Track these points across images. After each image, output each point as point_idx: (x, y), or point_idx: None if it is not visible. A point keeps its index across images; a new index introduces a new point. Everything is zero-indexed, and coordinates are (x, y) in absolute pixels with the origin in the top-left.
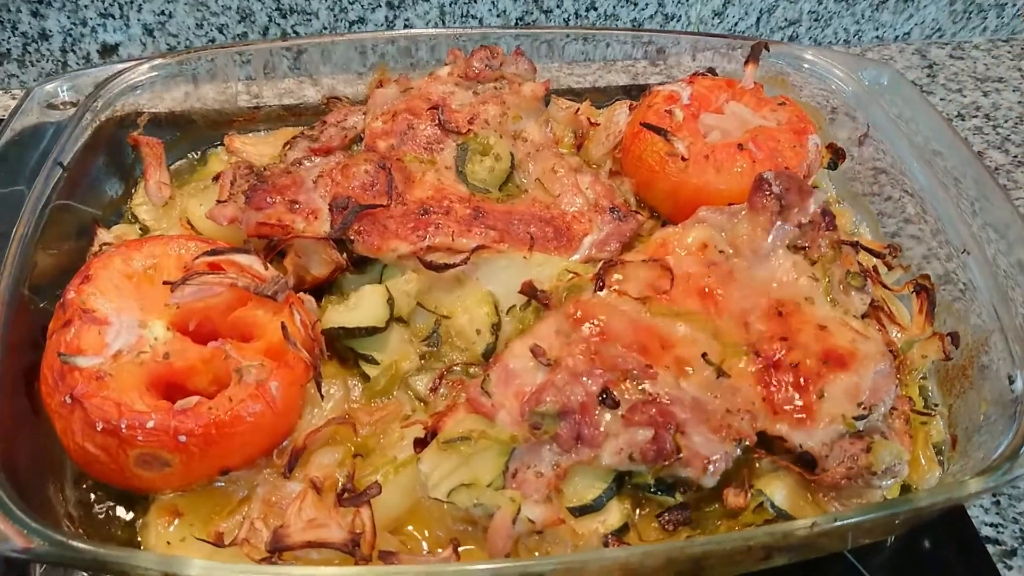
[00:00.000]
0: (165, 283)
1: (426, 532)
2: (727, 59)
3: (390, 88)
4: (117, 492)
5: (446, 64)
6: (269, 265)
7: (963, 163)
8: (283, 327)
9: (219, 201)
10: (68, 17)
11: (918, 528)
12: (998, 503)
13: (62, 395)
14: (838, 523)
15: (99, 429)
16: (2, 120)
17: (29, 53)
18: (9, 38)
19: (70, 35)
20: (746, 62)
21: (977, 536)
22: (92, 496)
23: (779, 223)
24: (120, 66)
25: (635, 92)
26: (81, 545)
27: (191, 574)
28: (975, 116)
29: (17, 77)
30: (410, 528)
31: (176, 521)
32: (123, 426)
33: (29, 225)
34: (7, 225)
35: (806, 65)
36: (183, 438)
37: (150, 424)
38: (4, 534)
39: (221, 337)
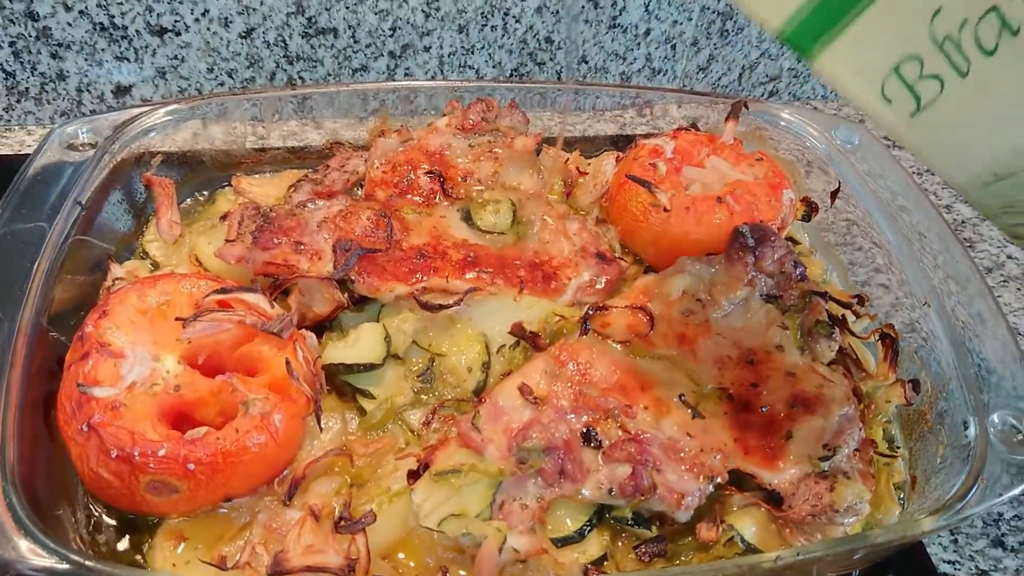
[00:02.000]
0: (177, 319)
1: (416, 560)
2: (711, 110)
3: (391, 138)
4: (124, 516)
5: (444, 115)
6: (274, 303)
7: (927, 218)
8: (287, 363)
9: (227, 240)
10: (85, 59)
11: (881, 564)
12: (956, 541)
13: (79, 423)
14: (801, 556)
15: (113, 456)
16: (19, 156)
17: (46, 92)
18: (28, 77)
19: (86, 76)
20: (727, 119)
21: (935, 573)
22: (101, 519)
23: (753, 273)
24: (137, 110)
25: (622, 142)
26: (99, 565)
27: None
28: None
29: (33, 114)
30: (401, 556)
31: (182, 545)
32: (136, 454)
33: (50, 260)
34: (29, 259)
35: (782, 123)
36: (192, 466)
37: (161, 452)
38: (24, 552)
39: (228, 371)
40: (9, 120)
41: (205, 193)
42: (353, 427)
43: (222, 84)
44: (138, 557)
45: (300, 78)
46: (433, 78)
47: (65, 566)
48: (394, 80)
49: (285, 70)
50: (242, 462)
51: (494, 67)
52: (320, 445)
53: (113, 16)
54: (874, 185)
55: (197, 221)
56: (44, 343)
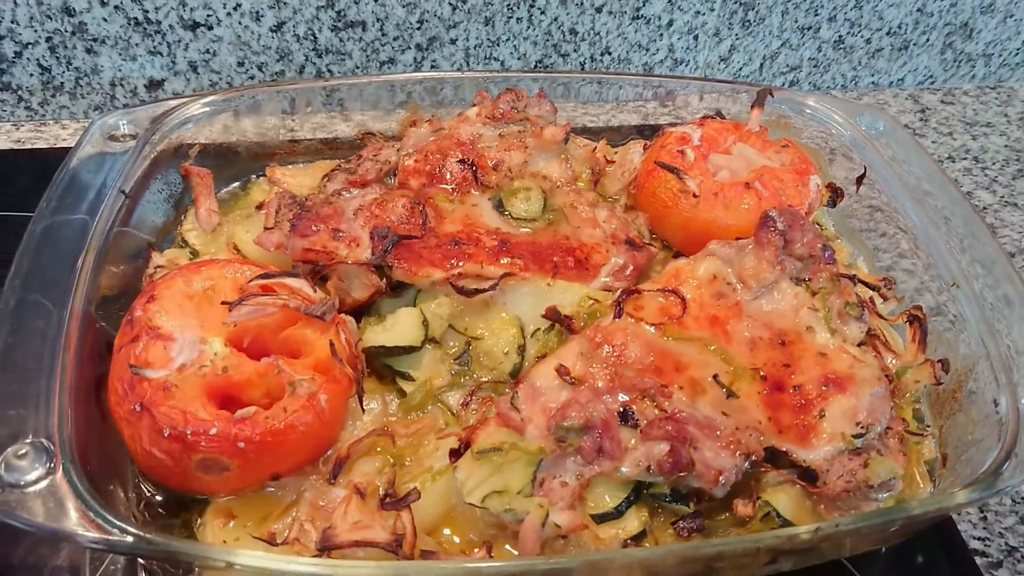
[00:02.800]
0: (223, 303)
1: (459, 536)
2: (732, 101)
3: (422, 128)
4: (172, 495)
5: (474, 105)
6: (316, 288)
7: (953, 203)
8: (331, 345)
9: (266, 228)
10: (120, 54)
11: (911, 541)
12: (985, 518)
13: (131, 404)
14: (840, 528)
15: (166, 435)
16: (55, 149)
17: (81, 86)
18: (64, 72)
19: (120, 70)
20: (752, 106)
21: (966, 548)
22: (150, 498)
23: (783, 257)
24: (175, 102)
25: (647, 131)
26: (161, 539)
27: (255, 564)
28: (964, 158)
29: (68, 108)
30: (447, 531)
31: (231, 522)
32: (188, 433)
33: (96, 249)
34: (76, 248)
35: (808, 110)
36: (242, 444)
37: (213, 431)
38: (84, 526)
39: (272, 353)
40: (44, 115)
41: (239, 183)
42: (393, 408)
43: (252, 77)
44: (188, 534)
45: (329, 71)
46: (459, 70)
47: (128, 539)
48: (420, 71)
49: (314, 63)
50: (289, 441)
51: (519, 59)
52: (362, 426)
53: (147, 11)
54: (898, 170)
55: (233, 210)
56: (92, 329)
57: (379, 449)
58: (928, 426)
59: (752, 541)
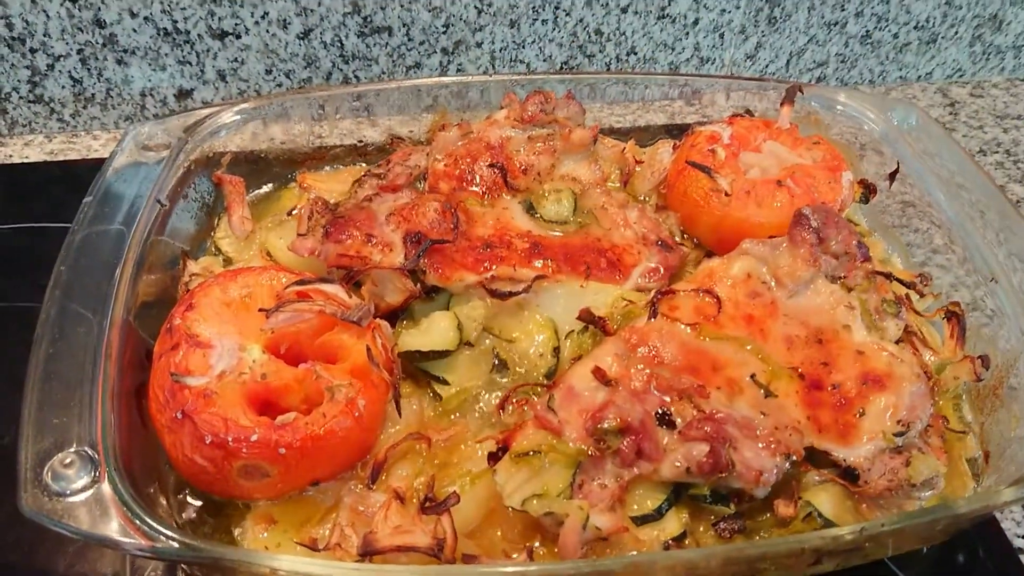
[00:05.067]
0: (260, 310)
1: (499, 539)
2: (759, 98)
3: (452, 132)
4: (211, 501)
5: (502, 107)
6: (351, 293)
7: (987, 196)
8: (368, 350)
9: (299, 234)
10: (149, 64)
11: (953, 539)
12: None
13: (173, 411)
14: (885, 528)
15: (208, 442)
16: (87, 160)
17: (111, 97)
18: (95, 83)
19: (150, 80)
20: (782, 103)
21: (1011, 547)
22: (189, 504)
23: (818, 254)
24: (207, 111)
25: (674, 131)
26: (206, 545)
27: (300, 570)
28: (996, 152)
29: (99, 119)
30: (486, 533)
31: (272, 528)
32: (230, 439)
33: (134, 258)
34: (114, 258)
35: (839, 107)
36: (283, 450)
37: (254, 437)
38: (130, 534)
39: (309, 359)
40: (76, 126)
41: (270, 188)
42: (429, 412)
43: (280, 85)
44: (228, 541)
45: (355, 77)
46: (485, 73)
47: (174, 546)
48: (446, 76)
49: (341, 69)
50: (329, 446)
51: (544, 60)
52: (398, 430)
53: (176, 21)
54: (931, 164)
55: (264, 217)
56: (132, 337)
57: (417, 453)
58: (969, 423)
59: (797, 542)
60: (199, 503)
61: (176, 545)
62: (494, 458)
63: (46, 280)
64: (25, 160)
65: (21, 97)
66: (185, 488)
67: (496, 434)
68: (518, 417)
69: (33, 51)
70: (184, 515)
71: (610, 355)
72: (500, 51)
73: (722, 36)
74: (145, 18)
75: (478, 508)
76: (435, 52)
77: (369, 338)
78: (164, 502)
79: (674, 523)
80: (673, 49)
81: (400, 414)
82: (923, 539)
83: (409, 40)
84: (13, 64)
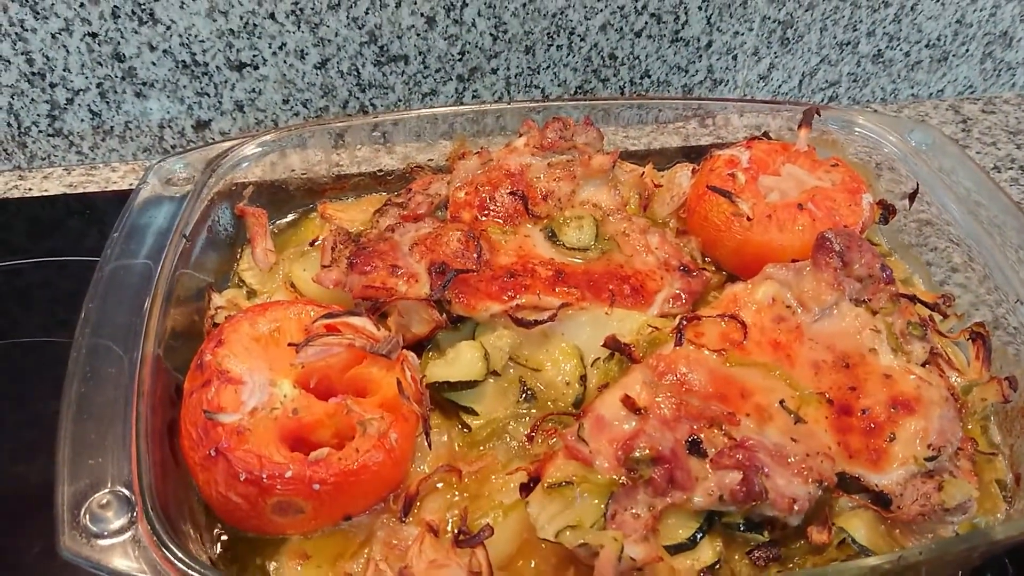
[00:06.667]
0: (290, 345)
1: (533, 571)
2: (772, 118)
3: (471, 160)
4: (243, 536)
5: (521, 135)
6: (379, 326)
7: (1004, 213)
8: (398, 383)
9: (323, 266)
10: (168, 97)
11: (987, 564)
12: None
13: (206, 449)
14: (923, 556)
15: (242, 479)
16: (106, 192)
17: (130, 130)
18: (114, 116)
19: (168, 112)
20: (799, 126)
21: None
22: (221, 540)
23: (841, 278)
24: (228, 143)
25: (691, 153)
26: None
27: None
28: (1010, 168)
29: (117, 151)
30: (520, 565)
31: (305, 563)
32: (264, 476)
33: (163, 293)
34: (141, 293)
35: (857, 129)
36: (317, 486)
37: (288, 474)
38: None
39: (339, 393)
40: (95, 158)
41: (290, 219)
42: (458, 443)
43: (297, 115)
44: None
45: (372, 105)
46: (500, 99)
47: None
48: (462, 103)
49: (358, 98)
50: (362, 481)
51: (559, 85)
52: (429, 463)
53: (195, 53)
54: (948, 182)
55: (286, 247)
56: (162, 373)
57: (451, 484)
58: (998, 445)
59: (837, 572)
60: (228, 537)
61: None
62: (526, 489)
63: (66, 314)
64: (45, 193)
65: (40, 131)
66: (216, 523)
67: (527, 465)
68: (547, 447)
69: (53, 86)
70: (216, 550)
71: (638, 383)
72: (515, 76)
73: (735, 58)
74: (164, 51)
75: (511, 540)
76: (451, 79)
77: (399, 371)
78: (197, 537)
79: (708, 552)
80: (687, 72)
81: (430, 446)
82: (958, 565)
83: (425, 68)
84: (33, 99)
